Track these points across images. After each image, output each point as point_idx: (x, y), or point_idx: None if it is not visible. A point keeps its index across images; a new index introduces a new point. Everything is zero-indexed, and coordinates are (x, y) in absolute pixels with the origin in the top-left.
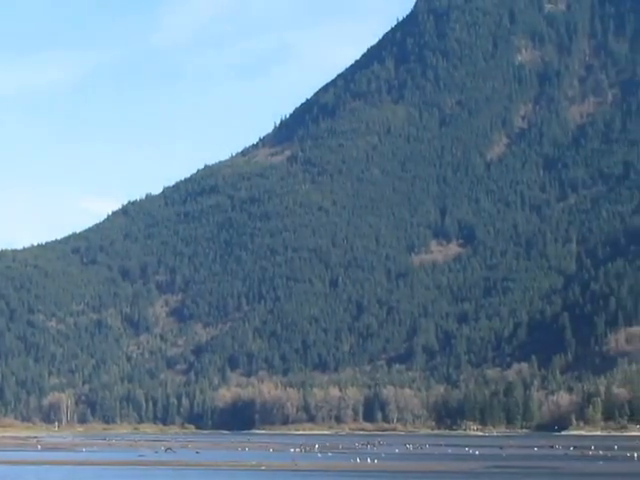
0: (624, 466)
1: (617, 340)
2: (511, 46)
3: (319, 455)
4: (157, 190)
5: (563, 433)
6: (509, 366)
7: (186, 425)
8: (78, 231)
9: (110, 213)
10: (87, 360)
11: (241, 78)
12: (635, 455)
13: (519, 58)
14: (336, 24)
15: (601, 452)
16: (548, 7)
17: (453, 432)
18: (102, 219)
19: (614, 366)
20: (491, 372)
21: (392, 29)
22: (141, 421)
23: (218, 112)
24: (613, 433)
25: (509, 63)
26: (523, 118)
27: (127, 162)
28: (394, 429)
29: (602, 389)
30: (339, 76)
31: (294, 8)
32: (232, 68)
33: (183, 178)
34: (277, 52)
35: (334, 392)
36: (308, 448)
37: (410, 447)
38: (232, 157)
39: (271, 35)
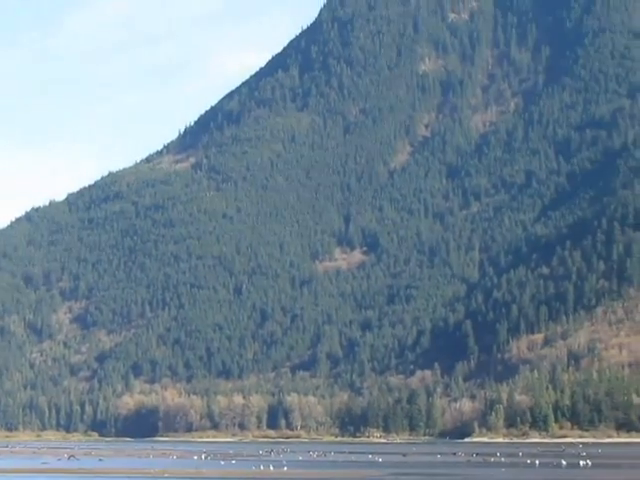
0: (526, 472)
1: (519, 347)
2: (414, 55)
3: (222, 463)
4: (61, 197)
5: (466, 440)
6: (412, 373)
7: (89, 432)
8: None
9: (13, 220)
10: None
11: (145, 85)
12: (537, 462)
13: (422, 67)
14: (241, 31)
15: (503, 459)
16: (451, 17)
17: (356, 439)
18: (5, 225)
19: (516, 373)
20: (394, 379)
21: (297, 37)
22: (44, 428)
23: (122, 119)
24: (515, 440)
25: (413, 72)
26: (426, 127)
27: (30, 169)
28: (298, 436)
29: (504, 396)
30: (243, 83)
31: (199, 15)
32: (136, 75)
33: (87, 185)
34: (182, 59)
35: (238, 399)
36: (212, 456)
37: (314, 454)
38: (136, 164)
39: (176, 42)
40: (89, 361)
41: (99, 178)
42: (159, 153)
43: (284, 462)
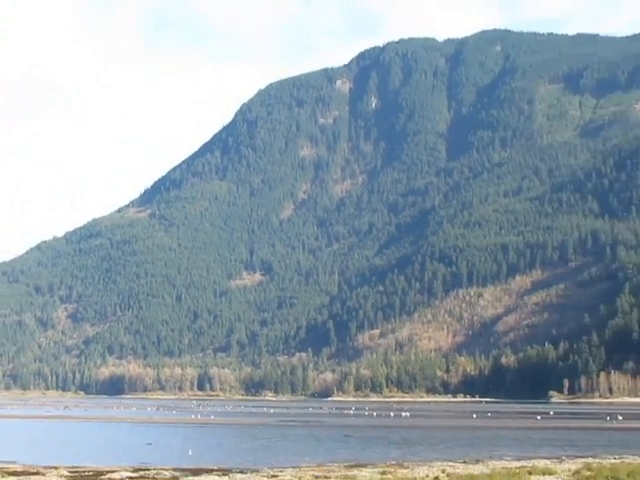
0: (370, 419)
1: (363, 338)
2: (297, 145)
3: (165, 412)
4: (61, 234)
5: (328, 399)
6: (293, 355)
7: (78, 392)
8: None
9: (28, 249)
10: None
11: (115, 157)
12: (374, 414)
13: (302, 153)
14: (183, 122)
15: (352, 411)
16: (321, 120)
17: (256, 398)
18: (23, 252)
19: (361, 355)
20: (281, 358)
21: (219, 131)
22: (47, 389)
23: (102, 182)
24: (360, 399)
25: (295, 156)
26: (304, 192)
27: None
28: (217, 395)
29: (353, 370)
30: (183, 161)
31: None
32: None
33: (78, 226)
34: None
35: (177, 371)
36: (160, 408)
37: (228, 407)
38: (111, 213)
39: (135, 121)
40: (78, 344)
41: (86, 222)
42: (127, 206)
43: (208, 411)
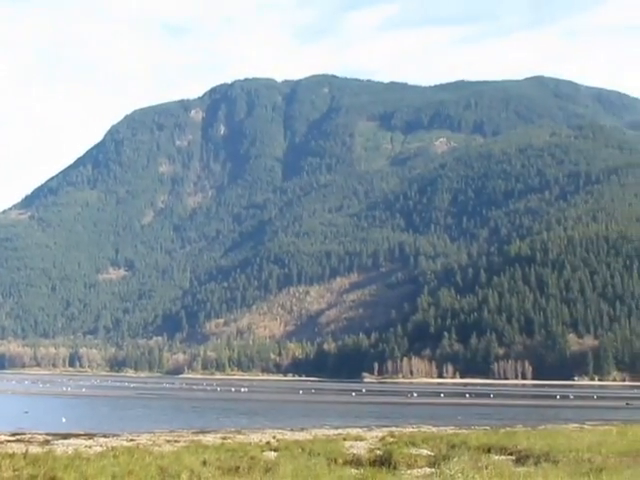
0: (214, 393)
1: (210, 326)
2: (156, 162)
3: (40, 385)
4: None
5: (180, 376)
6: (151, 338)
7: None
8: None
9: None
10: None
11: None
12: (218, 388)
13: (161, 169)
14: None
15: (202, 387)
16: (177, 142)
17: (119, 374)
18: None
19: (208, 340)
20: (141, 341)
21: (90, 148)
22: None
23: None
24: (207, 377)
25: (155, 171)
26: (162, 202)
27: None
28: (86, 372)
29: (201, 352)
30: (60, 172)
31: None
32: None
33: None
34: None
35: (52, 350)
36: (36, 381)
37: (96, 381)
38: None
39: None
40: None
41: None
42: (10, 209)
43: (81, 386)
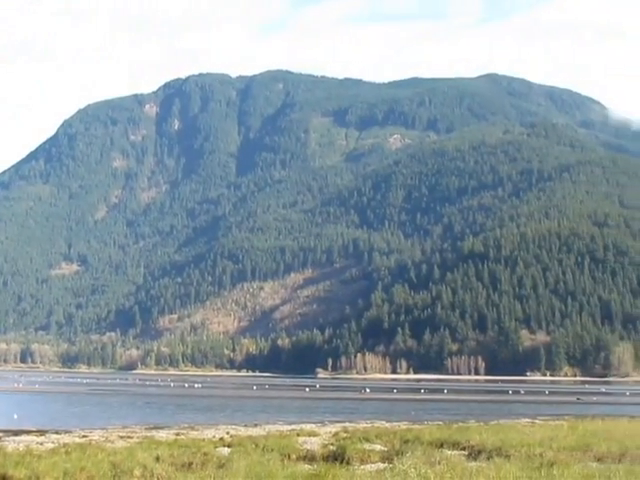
0: (166, 389)
1: (164, 321)
2: (111, 157)
3: None
4: None
5: (133, 372)
6: (104, 334)
7: None
8: None
9: None
10: None
11: None
12: (172, 384)
13: (115, 164)
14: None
15: (155, 383)
16: (132, 137)
17: (72, 370)
18: None
19: (162, 336)
20: (94, 337)
21: (44, 142)
22: None
23: None
24: (160, 372)
25: (109, 166)
26: (116, 197)
27: None
28: (38, 368)
29: (155, 348)
30: (12, 166)
31: None
32: None
33: None
34: None
35: (3, 346)
36: None
37: (49, 378)
38: None
39: None
40: None
41: None
42: None
43: (33, 382)
